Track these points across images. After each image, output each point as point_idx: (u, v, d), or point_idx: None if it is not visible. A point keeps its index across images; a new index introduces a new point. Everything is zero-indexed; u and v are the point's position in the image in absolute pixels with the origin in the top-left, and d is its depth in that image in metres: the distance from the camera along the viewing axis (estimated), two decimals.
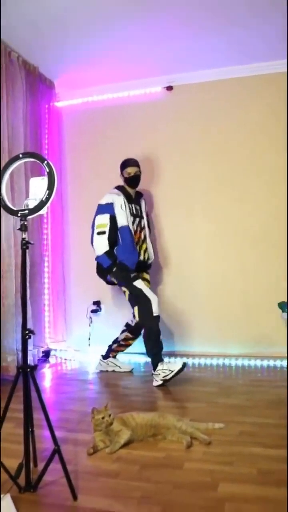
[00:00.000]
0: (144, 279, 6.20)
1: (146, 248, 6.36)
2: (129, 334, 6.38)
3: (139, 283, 5.92)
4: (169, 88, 7.44)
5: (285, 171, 6.82)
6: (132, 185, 6.30)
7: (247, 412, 4.59)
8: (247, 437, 3.91)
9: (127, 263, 6.00)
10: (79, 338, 7.48)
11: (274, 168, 6.94)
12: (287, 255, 6.65)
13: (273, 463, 3.36)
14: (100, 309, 7.35)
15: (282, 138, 6.90)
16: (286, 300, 6.37)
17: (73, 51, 6.71)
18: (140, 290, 5.87)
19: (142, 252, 6.27)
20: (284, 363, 6.43)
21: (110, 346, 6.47)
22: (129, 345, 6.45)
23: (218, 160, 7.22)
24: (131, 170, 6.22)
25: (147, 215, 6.55)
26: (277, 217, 6.86)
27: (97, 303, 7.45)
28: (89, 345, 7.20)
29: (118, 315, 7.17)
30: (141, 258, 6.23)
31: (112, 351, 6.46)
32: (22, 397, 3.02)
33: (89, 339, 7.24)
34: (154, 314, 5.79)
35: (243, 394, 5.25)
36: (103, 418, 3.74)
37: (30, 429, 3.08)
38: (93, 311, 7.37)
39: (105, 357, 6.47)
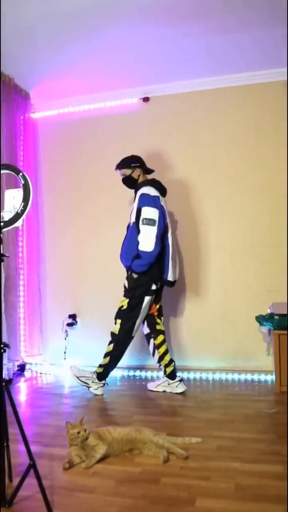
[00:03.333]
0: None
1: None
2: (154, 340, 6.17)
3: (147, 300, 5.93)
4: (146, 99, 7.48)
5: (264, 184, 6.90)
6: (127, 187, 6.25)
7: (224, 426, 4.60)
8: (225, 451, 3.92)
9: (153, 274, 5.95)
10: (55, 352, 7.46)
11: (252, 181, 6.99)
12: (281, 266, 6.70)
13: (251, 478, 3.37)
14: (76, 322, 7.34)
15: (259, 150, 6.97)
16: (263, 314, 6.40)
17: (49, 62, 6.72)
18: (140, 306, 5.91)
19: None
20: (262, 377, 6.45)
21: (164, 365, 6.10)
22: (166, 347, 6.18)
23: (195, 173, 7.26)
24: (120, 174, 6.19)
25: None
26: (255, 229, 6.91)
27: (72, 316, 7.43)
28: (65, 358, 7.18)
29: (94, 328, 7.17)
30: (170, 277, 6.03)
31: (168, 367, 6.11)
32: None
33: (65, 352, 7.22)
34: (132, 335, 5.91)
35: (220, 408, 5.26)
36: (78, 432, 3.74)
37: (5, 444, 3.08)
38: (68, 325, 7.36)
39: (173, 377, 6.09)
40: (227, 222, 7.05)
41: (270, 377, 6.40)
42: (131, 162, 6.19)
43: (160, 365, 6.10)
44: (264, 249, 6.81)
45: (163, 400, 5.70)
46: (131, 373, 6.90)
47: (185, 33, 6.02)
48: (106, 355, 5.92)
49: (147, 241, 5.75)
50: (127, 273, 5.95)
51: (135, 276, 5.85)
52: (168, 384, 6.01)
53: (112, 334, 5.94)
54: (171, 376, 6.02)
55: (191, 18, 5.73)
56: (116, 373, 6.44)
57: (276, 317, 6.11)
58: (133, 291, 5.88)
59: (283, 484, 3.23)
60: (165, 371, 6.04)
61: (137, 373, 6.95)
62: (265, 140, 6.96)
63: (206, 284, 7.09)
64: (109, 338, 5.93)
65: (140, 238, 5.78)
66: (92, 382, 5.89)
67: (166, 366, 6.03)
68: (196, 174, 7.25)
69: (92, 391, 5.89)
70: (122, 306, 5.90)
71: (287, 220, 6.75)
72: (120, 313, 5.90)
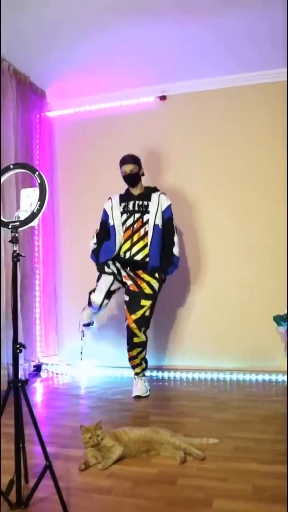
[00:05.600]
0: (135, 277, 6.05)
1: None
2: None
3: (103, 278, 6.14)
4: (163, 97, 7.45)
5: (283, 182, 6.85)
6: (129, 183, 6.21)
7: (241, 427, 4.59)
8: (242, 452, 3.91)
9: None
10: (71, 352, 7.43)
11: (270, 179, 6.96)
12: (286, 267, 6.66)
13: (268, 479, 3.36)
14: (93, 322, 7.32)
15: (278, 148, 6.92)
16: (281, 314, 6.37)
17: (65, 60, 6.73)
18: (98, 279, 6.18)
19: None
20: (280, 377, 6.43)
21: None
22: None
23: (213, 171, 7.24)
24: (125, 169, 6.12)
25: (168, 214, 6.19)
26: (273, 229, 6.88)
27: None
28: (81, 359, 7.16)
29: (111, 328, 7.17)
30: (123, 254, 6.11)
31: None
32: (13, 412, 3.01)
33: (81, 353, 7.21)
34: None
35: (237, 409, 5.25)
36: (90, 437, 3.75)
37: (21, 445, 3.07)
38: (85, 325, 7.34)
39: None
40: (245, 222, 7.03)
41: None
42: (139, 160, 6.22)
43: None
44: (281, 249, 6.76)
45: (180, 400, 5.70)
46: (148, 373, 6.87)
47: (203, 30, 6.01)
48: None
49: (178, 247, 6.05)
50: (153, 274, 5.96)
51: (163, 277, 6.00)
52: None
53: (129, 330, 5.93)
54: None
55: (209, 15, 5.71)
56: (132, 374, 6.42)
57: None
58: (157, 294, 5.98)
59: None
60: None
61: (154, 373, 6.94)
62: (285, 140, 6.93)
63: (224, 285, 7.08)
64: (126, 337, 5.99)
65: (175, 243, 6.01)
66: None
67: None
68: (215, 174, 7.22)
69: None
70: (145, 312, 5.89)
71: (287, 221, 6.76)
72: (145, 320, 5.94)
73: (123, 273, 6.02)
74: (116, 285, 6.12)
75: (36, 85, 7.45)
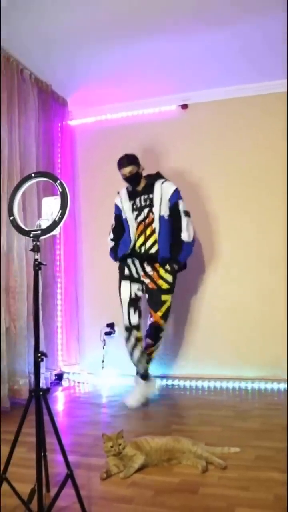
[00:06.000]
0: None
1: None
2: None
3: (121, 287, 6.15)
4: (184, 106, 7.44)
5: None
6: (131, 184, 6.22)
7: (263, 436, 4.59)
8: (264, 461, 3.91)
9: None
10: (93, 361, 7.46)
11: None
12: None
13: None
14: (114, 331, 7.34)
15: None
16: None
17: (87, 69, 6.76)
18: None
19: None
20: None
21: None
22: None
23: (234, 181, 7.22)
24: (124, 172, 6.12)
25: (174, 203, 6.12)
26: None
27: (111, 325, 7.42)
28: (102, 368, 7.19)
29: None
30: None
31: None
32: (35, 421, 3.02)
33: (102, 361, 7.23)
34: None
35: (259, 417, 5.25)
36: (112, 446, 3.77)
37: (42, 454, 3.09)
38: (106, 333, 7.35)
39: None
40: (267, 230, 7.01)
41: None
42: (136, 159, 6.18)
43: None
44: None
45: (201, 409, 5.69)
46: (169, 382, 6.88)
47: (224, 39, 6.02)
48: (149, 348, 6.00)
49: (188, 231, 5.97)
50: (164, 266, 5.94)
51: (175, 267, 5.97)
52: (147, 388, 6.03)
53: (157, 328, 5.96)
54: (145, 376, 6.09)
55: (230, 24, 5.72)
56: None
57: None
58: (174, 285, 6.02)
59: None
60: (138, 368, 6.08)
61: (175, 382, 6.92)
62: None
63: (245, 293, 7.06)
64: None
65: (183, 229, 5.95)
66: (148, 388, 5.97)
67: (139, 362, 6.05)
68: (237, 184, 7.21)
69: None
70: (169, 306, 5.98)
71: (287, 223, 6.76)
72: (168, 313, 6.01)
73: (141, 272, 6.03)
74: (135, 288, 6.08)
75: (57, 94, 7.49)
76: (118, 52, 6.30)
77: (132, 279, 6.08)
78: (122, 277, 6.13)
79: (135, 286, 6.08)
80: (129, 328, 5.98)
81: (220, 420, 5.19)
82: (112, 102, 7.72)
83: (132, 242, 6.03)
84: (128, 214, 6.12)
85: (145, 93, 7.44)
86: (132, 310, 6.00)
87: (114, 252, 6.23)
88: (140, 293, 6.09)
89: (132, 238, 6.04)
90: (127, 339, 5.99)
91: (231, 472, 3.69)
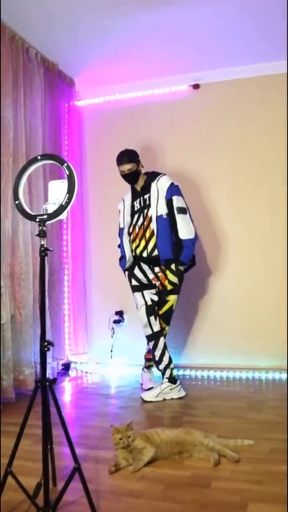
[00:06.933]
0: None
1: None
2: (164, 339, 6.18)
3: (135, 297, 6.14)
4: (196, 86, 7.40)
5: None
6: (129, 182, 6.18)
7: (277, 428, 4.57)
8: (278, 454, 3.89)
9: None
10: (101, 350, 7.47)
11: None
12: None
13: None
14: (123, 319, 7.33)
15: None
16: None
17: (95, 47, 6.71)
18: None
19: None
20: None
21: (164, 368, 6.05)
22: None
23: (247, 161, 7.19)
24: (122, 169, 6.09)
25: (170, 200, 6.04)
26: None
27: (119, 313, 7.43)
28: (111, 357, 7.19)
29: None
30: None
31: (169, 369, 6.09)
32: (41, 412, 3.01)
33: (111, 351, 7.22)
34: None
35: (273, 409, 5.23)
36: (120, 439, 3.75)
37: (49, 446, 3.07)
38: (115, 322, 7.34)
39: (174, 380, 6.03)
40: (281, 212, 6.95)
41: None
42: (136, 156, 6.14)
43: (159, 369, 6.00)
44: None
45: (213, 400, 5.68)
46: (181, 372, 6.87)
47: (238, 15, 5.95)
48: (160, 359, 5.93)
49: (186, 228, 5.87)
50: (168, 267, 5.87)
51: (181, 268, 5.89)
52: (170, 389, 5.87)
53: (158, 334, 5.94)
54: (173, 380, 5.94)
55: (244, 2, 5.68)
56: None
57: None
58: (180, 286, 5.94)
59: None
60: (165, 374, 5.94)
61: (186, 372, 6.94)
62: None
63: (259, 283, 7.04)
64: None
65: (179, 227, 5.85)
66: (170, 389, 5.88)
67: (167, 368, 5.94)
68: (250, 164, 7.17)
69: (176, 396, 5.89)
70: (171, 306, 5.94)
71: (287, 222, 6.72)
72: (170, 315, 5.99)
73: (151, 276, 6.01)
74: (149, 294, 6.03)
75: (64, 73, 7.45)
76: (127, 30, 6.26)
77: (142, 287, 6.07)
78: (132, 289, 6.14)
79: (149, 292, 6.05)
80: (153, 336, 5.95)
81: (233, 412, 5.17)
82: (121, 82, 7.68)
83: (127, 251, 6.07)
84: (126, 219, 6.12)
85: (155, 73, 7.40)
86: (152, 318, 5.96)
87: (121, 263, 6.22)
88: (155, 297, 6.04)
89: (126, 247, 6.10)
90: (154, 347, 5.93)
91: (244, 465, 3.67)
